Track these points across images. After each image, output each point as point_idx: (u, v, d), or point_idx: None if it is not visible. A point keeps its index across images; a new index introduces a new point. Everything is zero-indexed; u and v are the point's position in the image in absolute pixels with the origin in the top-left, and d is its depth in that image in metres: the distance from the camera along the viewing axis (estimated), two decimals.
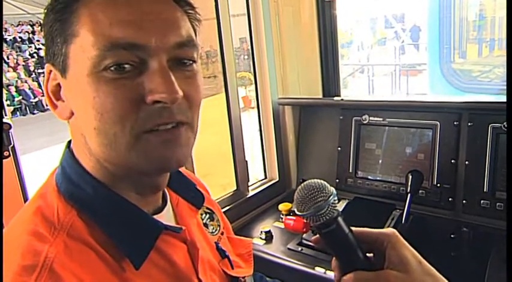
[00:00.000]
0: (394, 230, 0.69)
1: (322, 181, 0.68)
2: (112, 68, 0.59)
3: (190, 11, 0.69)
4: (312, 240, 0.73)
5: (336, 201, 0.67)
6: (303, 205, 0.66)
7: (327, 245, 0.69)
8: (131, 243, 0.65)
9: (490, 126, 1.50)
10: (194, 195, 0.85)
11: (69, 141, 0.72)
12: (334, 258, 0.70)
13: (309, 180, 0.68)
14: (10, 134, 1.04)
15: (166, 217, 0.76)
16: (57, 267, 0.57)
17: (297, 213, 0.68)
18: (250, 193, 1.87)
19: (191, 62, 0.66)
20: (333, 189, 0.67)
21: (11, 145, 1.05)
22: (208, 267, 0.79)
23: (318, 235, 0.71)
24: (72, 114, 0.65)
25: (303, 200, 0.66)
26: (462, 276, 1.24)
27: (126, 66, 0.60)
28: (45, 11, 0.65)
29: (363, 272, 0.65)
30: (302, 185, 0.69)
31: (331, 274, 1.35)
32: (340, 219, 0.67)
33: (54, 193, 0.67)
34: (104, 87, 0.59)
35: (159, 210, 0.76)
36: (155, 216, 0.72)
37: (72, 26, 0.61)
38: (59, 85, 0.66)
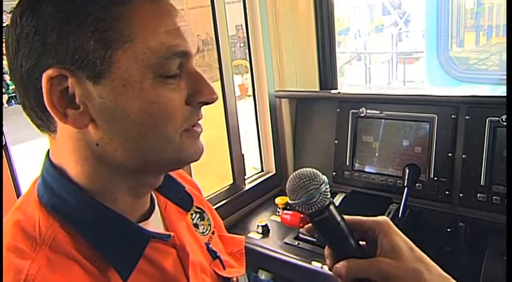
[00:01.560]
0: (386, 218, 0.70)
1: (313, 170, 0.69)
2: (165, 75, 0.61)
3: None
4: (305, 229, 0.74)
5: (328, 190, 0.68)
6: (295, 194, 0.67)
7: (319, 233, 0.71)
8: (118, 254, 0.64)
9: (487, 119, 1.50)
10: (182, 198, 0.84)
11: (49, 151, 0.69)
12: (326, 246, 0.71)
13: (301, 169, 0.69)
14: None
15: (154, 222, 0.75)
16: None
17: (289, 201, 0.69)
18: (247, 186, 1.86)
19: None
20: (324, 177, 0.68)
21: (4, 143, 1.04)
22: (199, 270, 0.79)
23: (310, 223, 0.72)
24: (89, 122, 0.61)
25: (295, 188, 0.67)
26: (458, 270, 1.24)
27: (175, 72, 0.63)
28: (44, 11, 0.58)
29: (355, 260, 0.66)
30: (294, 173, 0.69)
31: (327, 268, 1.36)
32: (332, 207, 0.68)
33: (36, 205, 0.64)
34: (160, 92, 0.61)
35: (147, 215, 0.75)
36: (142, 223, 0.71)
37: (122, 31, 0.58)
38: (65, 91, 0.60)
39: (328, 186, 0.68)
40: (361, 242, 0.70)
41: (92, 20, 0.58)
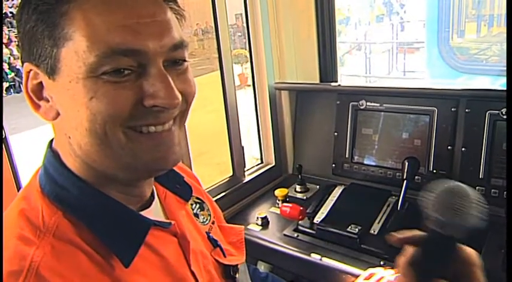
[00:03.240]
0: (477, 253, 0.68)
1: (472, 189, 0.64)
2: (110, 73, 0.60)
3: (176, 7, 0.68)
4: (396, 239, 0.71)
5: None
6: (452, 212, 0.62)
7: (431, 252, 0.67)
8: (119, 242, 0.65)
9: (487, 113, 1.50)
10: (181, 188, 0.85)
11: (51, 141, 0.71)
12: (413, 255, 0.68)
13: (459, 185, 0.64)
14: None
15: (154, 211, 0.76)
16: (44, 271, 0.57)
17: (434, 215, 0.63)
18: (247, 178, 1.87)
19: (183, 61, 0.67)
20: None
21: (3, 136, 1.03)
22: (200, 258, 0.80)
23: (407, 234, 0.69)
24: (58, 115, 0.64)
25: (455, 206, 0.62)
26: None
27: (124, 71, 0.60)
28: (22, 8, 0.62)
29: None
30: (454, 187, 0.64)
31: (327, 261, 1.37)
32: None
33: (38, 195, 0.66)
34: (101, 89, 0.60)
35: (147, 205, 0.76)
36: (143, 212, 0.72)
37: (64, 29, 0.59)
38: (40, 84, 0.64)
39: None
40: None
41: (45, 16, 0.60)
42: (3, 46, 15.75)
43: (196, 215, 0.91)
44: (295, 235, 1.51)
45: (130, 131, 0.63)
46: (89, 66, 0.59)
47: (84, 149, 0.64)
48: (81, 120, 0.61)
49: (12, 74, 15.08)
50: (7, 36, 16.21)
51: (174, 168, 0.86)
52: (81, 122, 0.61)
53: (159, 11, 0.63)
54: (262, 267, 1.59)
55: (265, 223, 1.60)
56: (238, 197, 1.79)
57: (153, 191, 0.79)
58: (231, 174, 1.83)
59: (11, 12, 17.11)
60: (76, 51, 0.59)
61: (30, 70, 0.64)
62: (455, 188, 0.63)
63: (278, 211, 1.63)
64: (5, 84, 13.95)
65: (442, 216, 0.62)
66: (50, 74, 0.62)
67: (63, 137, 0.66)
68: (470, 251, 0.68)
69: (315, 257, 1.39)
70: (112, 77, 0.60)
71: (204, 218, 0.92)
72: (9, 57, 15.37)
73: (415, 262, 0.68)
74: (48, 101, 0.64)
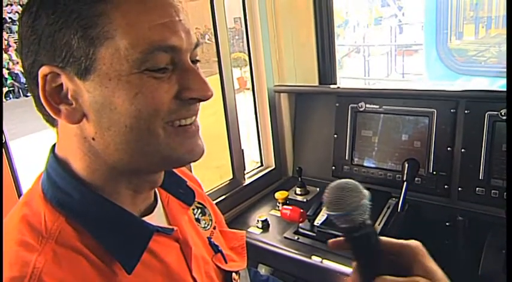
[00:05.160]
0: (419, 243, 0.69)
1: (355, 181, 0.66)
2: (151, 68, 0.62)
3: None
4: (333, 244, 0.72)
5: (370, 205, 0.65)
6: (337, 205, 0.64)
7: (354, 249, 0.68)
8: (122, 248, 0.65)
9: (486, 114, 1.50)
10: (184, 193, 0.85)
11: (53, 146, 0.71)
12: (354, 268, 0.69)
13: (342, 180, 0.67)
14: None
15: (157, 217, 0.76)
16: (46, 277, 0.57)
17: (328, 213, 0.66)
18: (247, 181, 1.87)
19: (197, 60, 0.70)
20: (366, 191, 0.66)
21: (3, 141, 1.03)
22: (202, 263, 0.80)
23: (337, 238, 0.70)
24: (83, 117, 0.63)
25: (337, 199, 0.65)
26: (457, 264, 1.25)
27: (165, 66, 0.63)
28: (35, 13, 0.61)
29: (393, 278, 0.65)
30: (335, 183, 0.67)
31: (327, 263, 1.37)
32: (370, 223, 0.66)
33: (41, 200, 0.66)
34: (146, 84, 0.61)
35: (150, 209, 0.76)
36: (146, 218, 0.72)
37: (103, 28, 0.60)
38: (58, 88, 0.63)
39: (370, 202, 0.65)
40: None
41: (75, 17, 0.60)
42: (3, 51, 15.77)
43: (197, 220, 0.90)
44: (296, 238, 1.50)
45: (167, 126, 0.65)
46: (132, 63, 0.60)
47: (114, 149, 0.64)
48: (121, 117, 0.62)
49: (11, 80, 15.09)
50: (6, 42, 16.23)
51: (177, 172, 0.87)
52: (119, 120, 0.62)
53: (181, 12, 0.66)
54: (263, 270, 1.59)
55: (265, 226, 1.60)
56: (239, 200, 1.79)
57: (156, 195, 0.79)
58: (231, 177, 1.83)
59: (10, 18, 17.16)
60: (117, 49, 0.60)
61: (48, 73, 0.62)
62: (335, 184, 0.66)
63: (278, 214, 1.63)
64: (4, 90, 13.96)
65: (332, 212, 0.65)
66: (81, 74, 0.61)
67: (79, 140, 0.65)
68: (408, 242, 0.69)
69: (315, 259, 1.39)
70: (153, 72, 0.62)
71: (205, 223, 0.92)
72: (7, 63, 15.38)
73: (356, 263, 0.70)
74: (70, 103, 0.63)
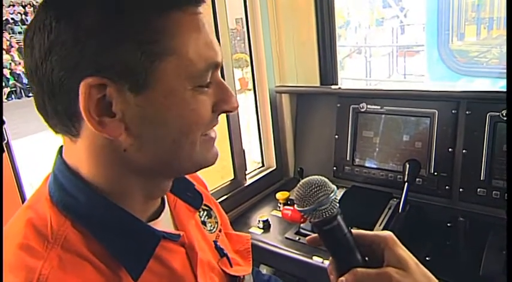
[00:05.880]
0: (391, 233, 0.70)
1: (322, 177, 0.69)
2: (201, 84, 0.64)
3: None
4: (309, 240, 0.75)
5: (337, 199, 0.68)
6: (304, 201, 0.67)
7: (325, 243, 0.70)
8: (128, 254, 0.64)
9: (488, 114, 1.50)
10: (192, 196, 0.84)
11: (61, 148, 0.70)
12: (330, 260, 0.71)
13: (309, 177, 0.69)
14: (4, 130, 1.03)
15: (164, 221, 0.76)
16: None
17: (298, 209, 0.69)
18: (248, 182, 1.87)
19: None
20: (334, 186, 0.69)
21: (5, 141, 1.04)
22: (207, 268, 0.80)
23: (314, 234, 0.72)
24: (125, 130, 0.61)
25: (304, 196, 0.67)
26: (458, 264, 1.25)
27: (208, 81, 0.66)
28: (81, 20, 0.57)
29: (364, 270, 0.66)
30: (302, 181, 0.69)
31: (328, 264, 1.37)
32: (339, 217, 0.68)
33: (47, 203, 0.65)
34: (199, 99, 0.64)
35: (157, 214, 0.75)
36: (153, 222, 0.72)
37: (165, 44, 0.60)
38: (100, 100, 0.59)
39: (337, 195, 0.68)
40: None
41: (134, 32, 0.58)
42: (5, 52, 15.78)
43: (203, 223, 0.90)
44: (297, 238, 1.51)
45: (202, 137, 0.67)
46: (190, 80, 0.62)
47: (148, 160, 0.64)
48: (170, 132, 0.63)
49: (14, 80, 15.12)
50: (8, 42, 16.27)
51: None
52: (167, 134, 0.63)
53: (211, 29, 0.68)
54: (264, 270, 1.59)
55: (266, 226, 1.60)
56: (240, 200, 1.79)
57: (163, 199, 0.78)
58: (232, 177, 1.83)
59: (12, 19, 17.20)
60: (178, 65, 0.61)
61: (95, 85, 0.58)
62: (303, 181, 0.69)
63: (279, 214, 1.63)
64: (7, 90, 13.99)
65: (300, 207, 0.68)
66: (136, 88, 0.59)
67: (104, 152, 0.63)
68: (379, 233, 0.71)
69: (316, 260, 1.39)
70: (202, 88, 0.65)
71: (211, 225, 0.91)
72: (10, 63, 15.42)
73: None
74: (112, 116, 0.60)
